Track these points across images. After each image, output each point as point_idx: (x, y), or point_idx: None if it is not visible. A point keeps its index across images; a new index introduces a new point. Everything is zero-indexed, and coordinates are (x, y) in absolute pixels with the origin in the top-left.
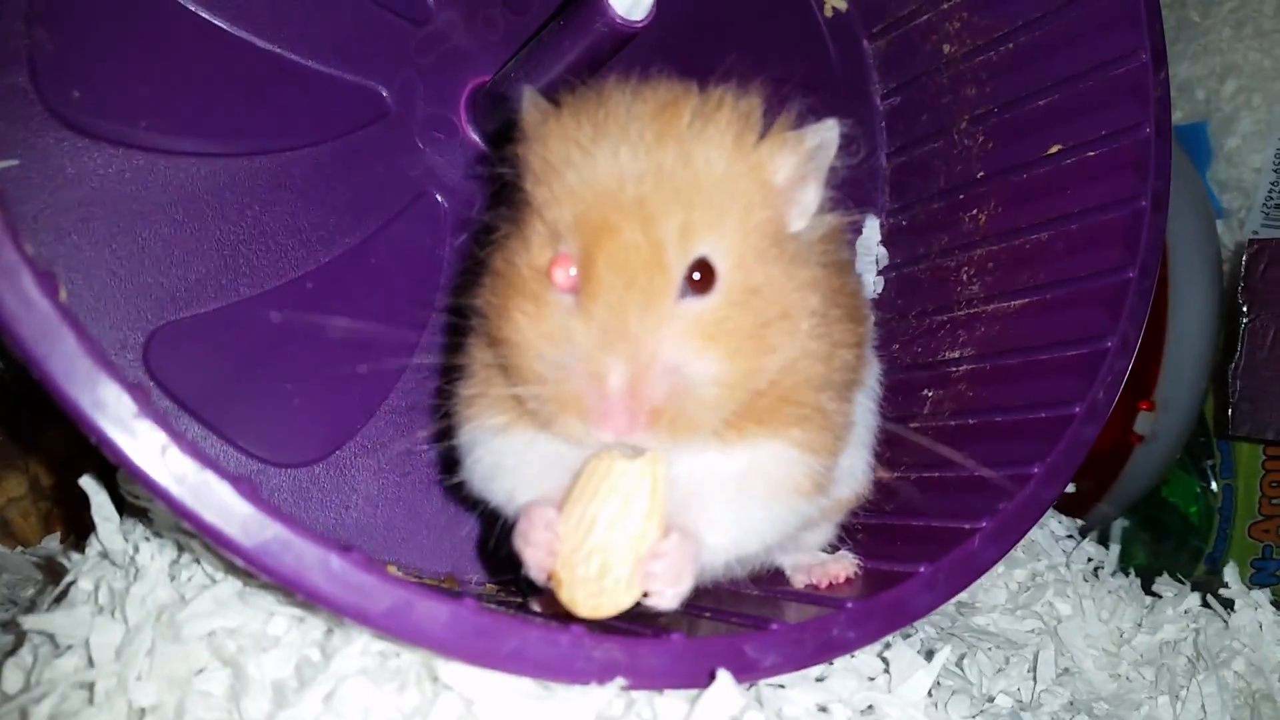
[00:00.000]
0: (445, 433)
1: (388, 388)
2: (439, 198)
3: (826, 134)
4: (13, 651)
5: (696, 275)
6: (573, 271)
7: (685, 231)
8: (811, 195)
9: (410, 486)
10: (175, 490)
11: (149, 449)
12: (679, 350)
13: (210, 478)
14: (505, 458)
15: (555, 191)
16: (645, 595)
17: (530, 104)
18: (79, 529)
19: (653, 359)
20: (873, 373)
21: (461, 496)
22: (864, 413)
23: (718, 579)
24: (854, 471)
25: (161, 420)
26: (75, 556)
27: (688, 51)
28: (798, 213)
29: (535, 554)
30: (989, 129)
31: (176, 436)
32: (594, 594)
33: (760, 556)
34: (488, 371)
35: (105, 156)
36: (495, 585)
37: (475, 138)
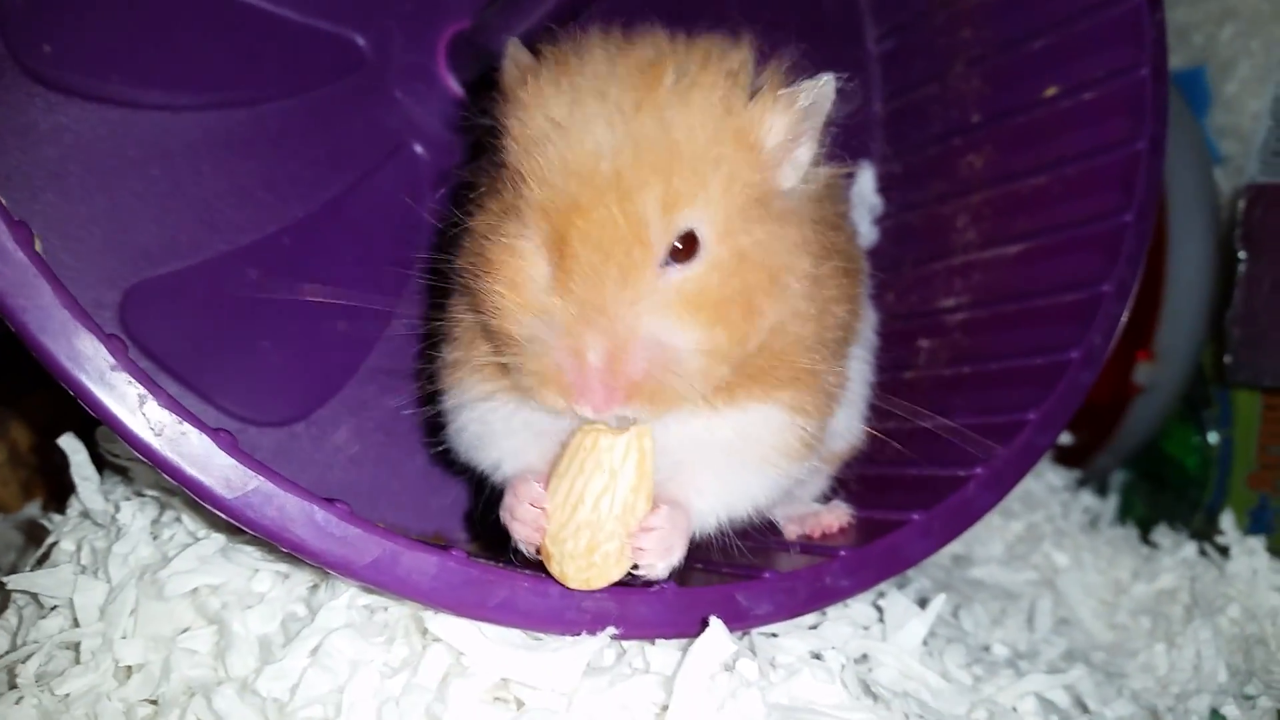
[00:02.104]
0: (429, 396)
1: (369, 346)
2: (419, 149)
3: (821, 90)
4: None
5: (678, 246)
6: (551, 247)
7: (667, 205)
8: (805, 152)
9: (395, 446)
10: (154, 443)
11: (127, 401)
12: (659, 322)
13: (189, 430)
14: (491, 426)
15: (531, 165)
16: (636, 567)
17: (511, 58)
18: (60, 494)
19: (631, 333)
20: (868, 323)
21: (447, 461)
22: (859, 365)
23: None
24: (849, 426)
25: (139, 372)
26: (56, 518)
27: None
28: (790, 170)
29: (523, 530)
30: (984, 72)
31: (154, 388)
32: (584, 569)
33: (752, 517)
34: (471, 335)
35: (78, 111)
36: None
37: (455, 86)
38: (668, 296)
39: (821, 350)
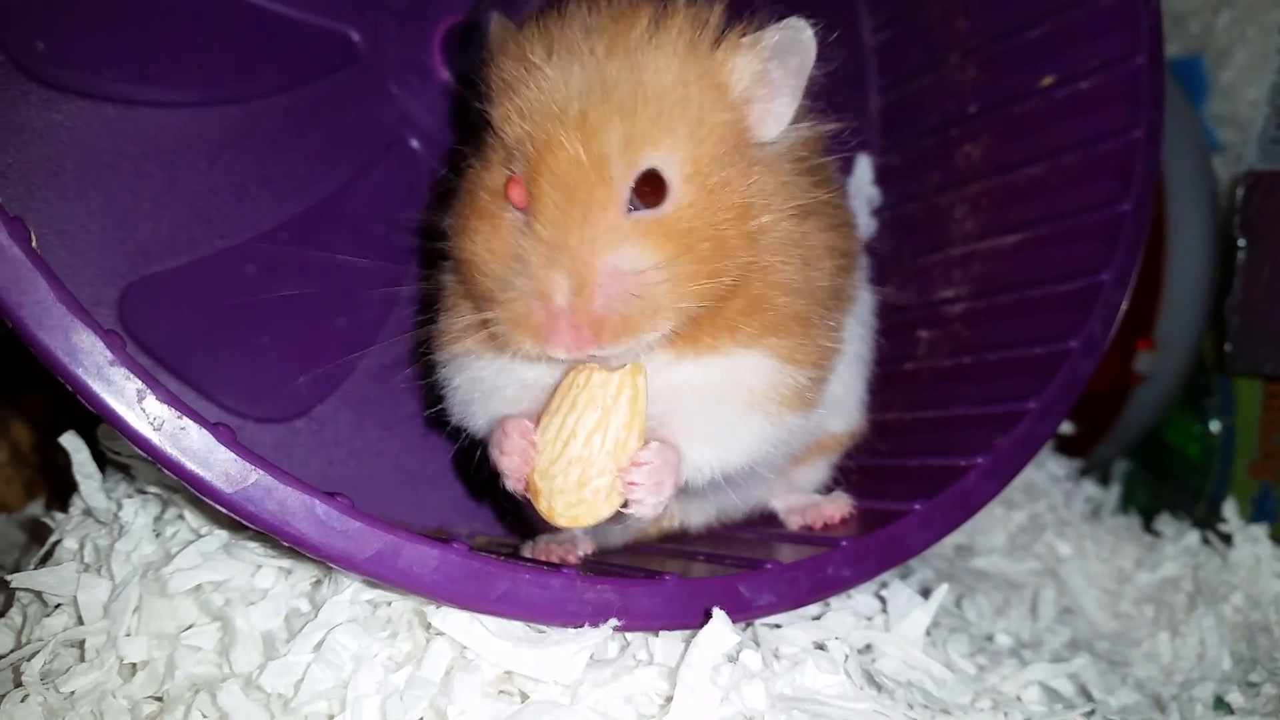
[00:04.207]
0: (426, 369)
1: (369, 341)
2: (414, 143)
3: (790, 33)
4: (2, 613)
5: (646, 188)
6: (525, 194)
7: (629, 144)
8: (783, 102)
9: (395, 441)
10: (153, 438)
11: (125, 396)
12: (624, 258)
13: (189, 424)
14: (481, 383)
15: (508, 110)
16: (625, 505)
17: (496, 26)
18: (62, 493)
19: (594, 269)
20: (866, 302)
21: (447, 432)
22: (856, 341)
23: (711, 524)
24: (846, 405)
25: (137, 367)
26: (59, 516)
27: None
28: (768, 120)
29: (511, 462)
30: (981, 62)
31: (153, 383)
32: (573, 504)
33: (753, 477)
34: (459, 299)
35: (73, 108)
36: (487, 537)
37: (450, 80)
38: (633, 235)
39: (808, 299)
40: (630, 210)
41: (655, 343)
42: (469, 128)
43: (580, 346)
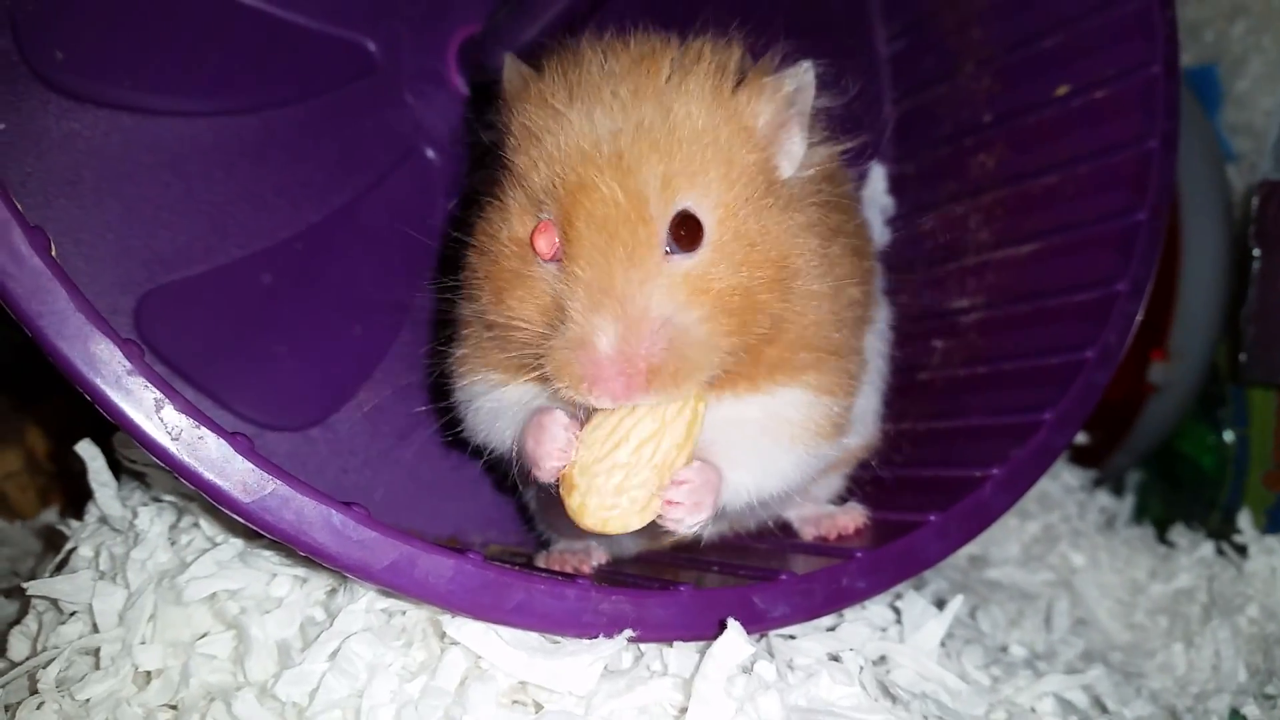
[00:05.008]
0: (442, 392)
1: (384, 351)
2: (430, 153)
3: (803, 77)
4: (17, 620)
5: (682, 231)
6: (556, 239)
7: (666, 182)
8: (797, 141)
9: (409, 449)
10: (171, 447)
11: (143, 406)
12: (669, 304)
13: (206, 434)
14: (506, 406)
15: (534, 157)
16: (660, 518)
17: (510, 70)
18: (77, 501)
19: (643, 314)
20: (883, 315)
21: (469, 451)
22: (874, 356)
23: (725, 534)
24: (863, 419)
25: (155, 377)
26: (75, 524)
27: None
28: (786, 159)
29: (546, 452)
30: (995, 72)
31: (171, 393)
32: (606, 507)
33: (780, 499)
34: (479, 332)
35: (91, 118)
36: (501, 546)
37: (466, 90)
38: (675, 280)
39: (840, 330)
40: (667, 253)
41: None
42: (480, 160)
43: (629, 395)
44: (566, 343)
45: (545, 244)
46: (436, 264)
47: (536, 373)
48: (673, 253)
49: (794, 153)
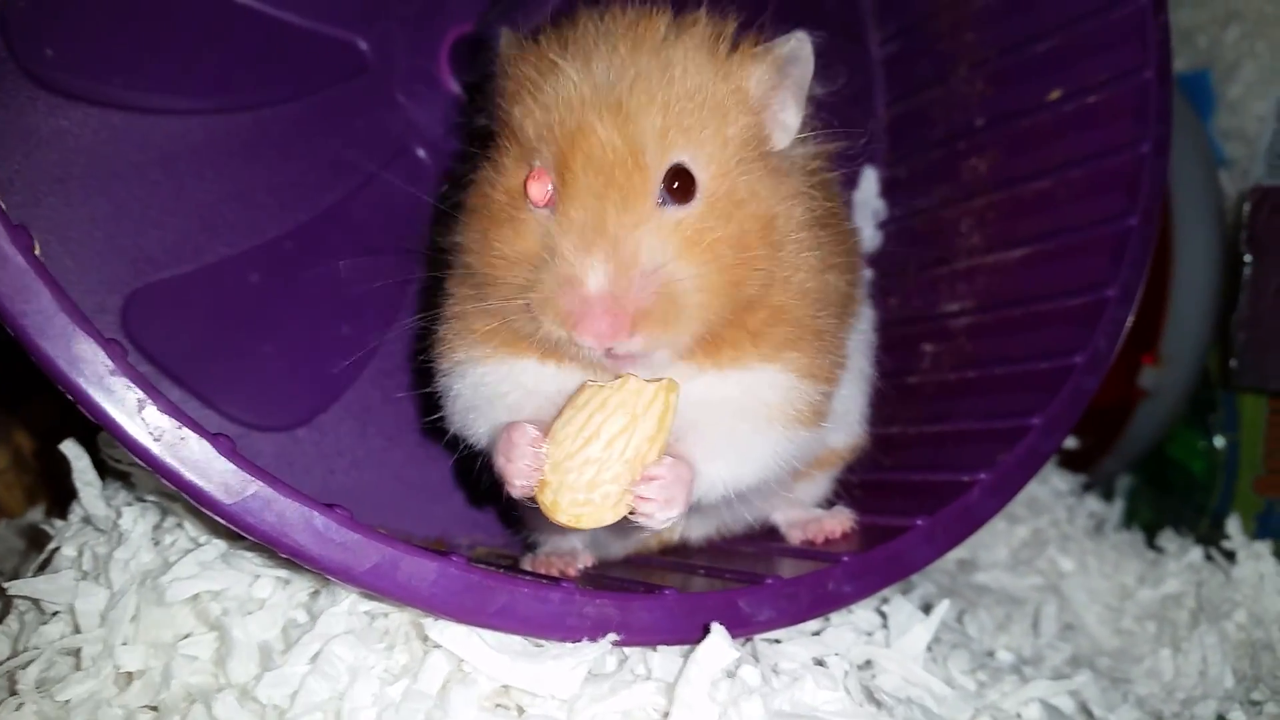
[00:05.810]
0: (424, 377)
1: (372, 351)
2: (421, 153)
3: (796, 45)
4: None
5: (675, 184)
6: (549, 188)
7: (663, 134)
8: (791, 113)
9: (397, 450)
10: (153, 448)
11: (125, 406)
12: (661, 251)
13: (188, 435)
14: (484, 389)
15: (530, 105)
16: (632, 513)
17: (507, 39)
18: (62, 500)
19: (634, 257)
20: (867, 318)
21: (445, 441)
22: (858, 355)
23: (711, 537)
24: (848, 419)
25: (138, 377)
26: (59, 523)
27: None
28: (779, 130)
29: (518, 469)
30: (988, 76)
31: (153, 393)
32: (579, 503)
33: (760, 494)
34: (465, 309)
35: (80, 116)
36: (487, 548)
37: (457, 90)
38: (667, 228)
39: (824, 310)
40: (660, 204)
41: (678, 352)
42: (475, 140)
43: (615, 335)
44: (554, 278)
45: (538, 190)
46: (428, 236)
47: (520, 332)
48: (665, 204)
49: (788, 123)
